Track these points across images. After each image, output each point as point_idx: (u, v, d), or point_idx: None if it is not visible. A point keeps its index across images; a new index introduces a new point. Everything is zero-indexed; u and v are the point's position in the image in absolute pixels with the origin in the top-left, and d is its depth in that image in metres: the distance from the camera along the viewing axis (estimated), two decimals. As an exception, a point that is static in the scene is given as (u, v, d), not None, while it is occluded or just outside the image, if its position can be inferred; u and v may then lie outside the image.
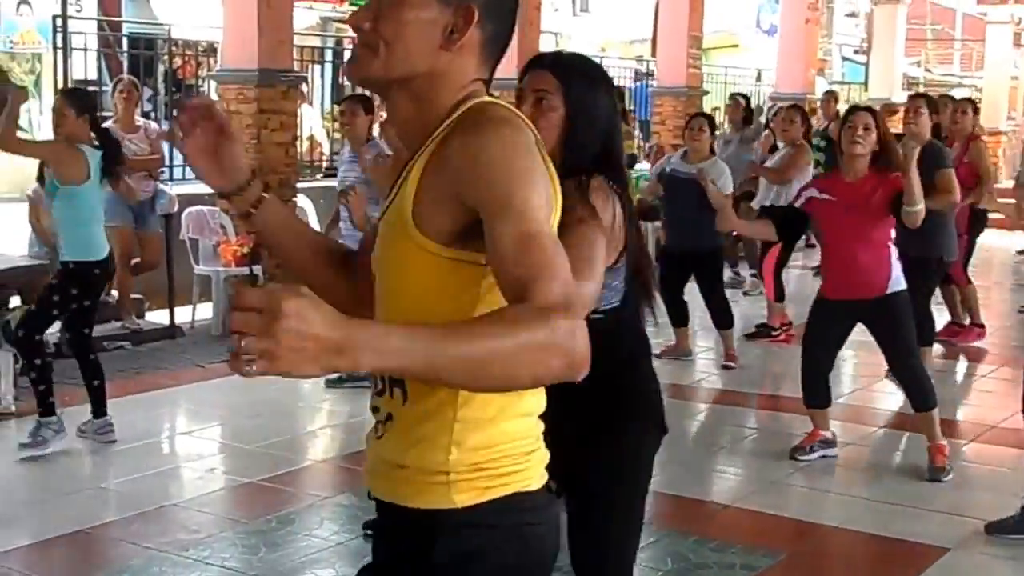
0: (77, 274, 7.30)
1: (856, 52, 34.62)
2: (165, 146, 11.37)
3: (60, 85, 12.00)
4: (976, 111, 10.96)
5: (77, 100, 7.64)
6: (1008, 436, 7.98)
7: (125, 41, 16.79)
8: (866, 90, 25.65)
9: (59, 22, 12.76)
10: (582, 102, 3.49)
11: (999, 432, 8.18)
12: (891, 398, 9.16)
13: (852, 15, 36.31)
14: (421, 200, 2.22)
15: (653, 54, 20.14)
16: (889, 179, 6.77)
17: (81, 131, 7.37)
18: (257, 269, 10.86)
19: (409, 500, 2.31)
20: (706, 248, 9.31)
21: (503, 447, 2.29)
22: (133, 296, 10.73)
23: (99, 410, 7.50)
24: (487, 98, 2.31)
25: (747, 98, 13.67)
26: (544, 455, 2.39)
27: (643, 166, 14.68)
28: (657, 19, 19.31)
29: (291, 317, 1.75)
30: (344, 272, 2.62)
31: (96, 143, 7.41)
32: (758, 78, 24.00)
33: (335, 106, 16.78)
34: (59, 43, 12.58)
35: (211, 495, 6.76)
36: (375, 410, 2.41)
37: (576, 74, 3.55)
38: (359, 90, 8.90)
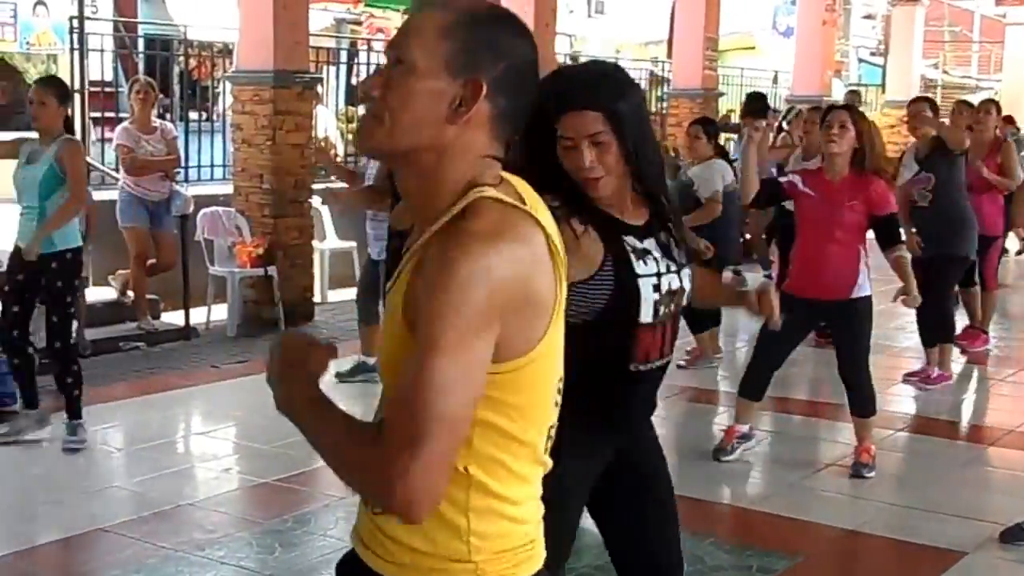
0: (75, 262, 7.43)
1: (873, 54, 34.56)
2: (181, 147, 11.39)
3: (76, 86, 12.02)
4: (999, 112, 10.91)
5: (58, 90, 7.63)
6: (1026, 440, 7.95)
7: (141, 42, 16.83)
8: (883, 92, 25.59)
9: (75, 23, 12.77)
10: (632, 125, 3.37)
11: (1018, 436, 8.16)
12: (907, 401, 9.15)
13: (869, 17, 36.24)
14: (408, 302, 2.15)
15: (669, 56, 20.10)
16: (870, 189, 6.79)
17: (59, 121, 7.39)
18: (272, 270, 10.86)
19: None
20: (728, 261, 9.33)
21: (516, 533, 2.27)
22: (148, 297, 10.73)
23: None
24: (486, 193, 2.18)
25: (764, 97, 13.56)
26: (541, 533, 2.37)
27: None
28: (673, 21, 19.28)
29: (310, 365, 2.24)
30: None
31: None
32: (775, 80, 23.97)
33: (349, 107, 16.81)
34: (75, 44, 12.58)
35: (226, 495, 6.76)
36: None
37: (615, 97, 3.37)
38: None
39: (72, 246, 7.35)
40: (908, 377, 9.45)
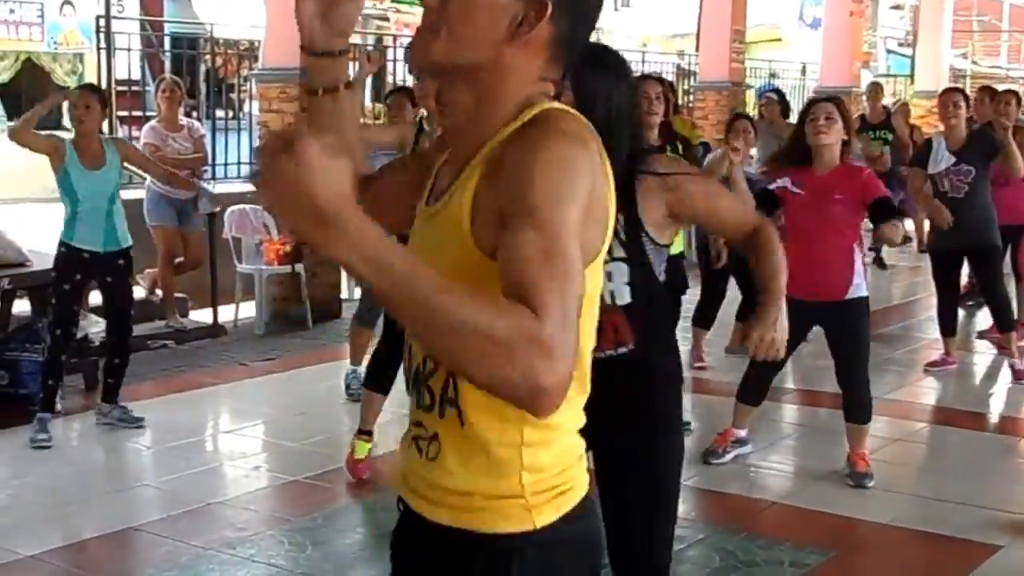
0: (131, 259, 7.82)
1: (901, 44, 34.39)
2: (208, 145, 11.40)
3: (103, 85, 12.05)
4: (1020, 102, 10.86)
5: (101, 95, 8.00)
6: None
7: (167, 41, 16.87)
8: (912, 82, 25.46)
9: (102, 22, 12.81)
10: (587, 87, 3.37)
11: (1052, 428, 8.11)
12: (937, 393, 9.11)
13: (897, 7, 36.07)
14: (477, 212, 2.07)
15: (697, 48, 20.04)
16: (861, 179, 6.68)
17: (99, 124, 7.84)
18: (299, 267, 10.87)
19: (484, 527, 2.19)
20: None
21: (564, 461, 2.23)
22: (177, 295, 10.75)
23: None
24: (555, 105, 2.15)
25: (782, 93, 13.49)
26: (584, 456, 2.34)
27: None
28: (701, 13, 19.23)
29: (294, 158, 1.70)
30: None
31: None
32: (802, 72, 23.89)
33: (375, 103, 16.79)
34: (102, 43, 12.62)
35: (256, 493, 6.77)
36: (418, 424, 2.27)
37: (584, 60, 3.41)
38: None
39: (130, 244, 7.76)
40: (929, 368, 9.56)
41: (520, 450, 2.16)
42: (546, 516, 2.19)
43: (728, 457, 7.21)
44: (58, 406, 7.76)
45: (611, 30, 31.10)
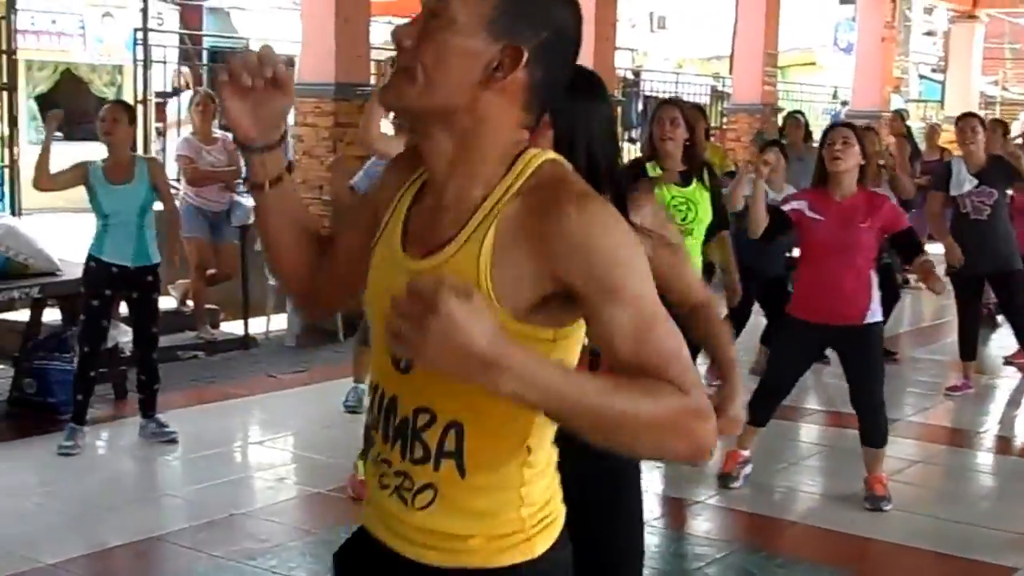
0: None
1: (934, 70, 34.36)
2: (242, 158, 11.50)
3: (139, 97, 12.20)
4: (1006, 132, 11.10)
5: (130, 110, 8.08)
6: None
7: (205, 54, 17.01)
8: (942, 108, 25.48)
9: (139, 35, 12.95)
10: (566, 114, 3.24)
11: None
12: (958, 416, 9.12)
13: (930, 33, 36.03)
14: (496, 270, 2.07)
15: (730, 71, 20.13)
16: (882, 207, 6.71)
17: (128, 139, 7.86)
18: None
19: (486, 563, 2.22)
20: (770, 273, 9.28)
21: (550, 491, 2.30)
22: (208, 306, 10.86)
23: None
24: (547, 155, 2.17)
25: (803, 116, 13.52)
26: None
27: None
28: (735, 37, 19.33)
29: (444, 318, 1.77)
30: (315, 257, 2.48)
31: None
32: (834, 95, 23.93)
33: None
34: (139, 56, 12.77)
35: (281, 505, 6.82)
36: (400, 475, 2.24)
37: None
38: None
39: (159, 260, 7.81)
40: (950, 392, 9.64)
41: (519, 490, 2.21)
42: (542, 544, 2.24)
43: (743, 477, 7.21)
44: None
45: (647, 52, 31.21)
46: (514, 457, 2.18)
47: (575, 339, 2.18)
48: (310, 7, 11.93)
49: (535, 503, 2.24)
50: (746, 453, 7.27)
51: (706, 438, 1.99)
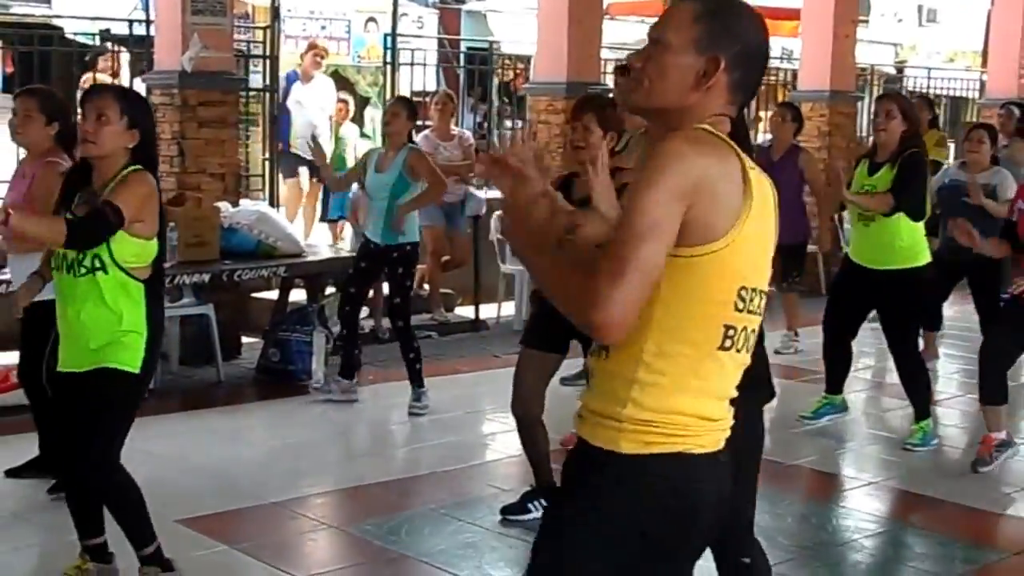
0: (414, 254, 8.63)
1: None
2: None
3: (389, 96, 12.97)
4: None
5: (409, 105, 8.83)
6: None
7: (463, 56, 17.81)
8: None
9: (389, 40, 13.72)
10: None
11: None
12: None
13: None
14: None
15: (983, 64, 19.84)
16: None
17: (404, 131, 8.51)
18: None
19: (589, 437, 2.90)
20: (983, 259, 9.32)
21: (675, 415, 2.82)
22: (442, 291, 11.57)
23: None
24: (704, 125, 2.83)
25: (1022, 107, 13.28)
26: (725, 432, 2.92)
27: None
28: (988, 29, 19.03)
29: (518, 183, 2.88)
30: None
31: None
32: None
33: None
34: (388, 59, 13.53)
35: (489, 464, 7.66)
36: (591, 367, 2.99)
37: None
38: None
39: (412, 240, 8.51)
40: None
41: (631, 384, 2.83)
42: (633, 447, 2.83)
43: (996, 463, 7.22)
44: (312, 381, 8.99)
45: (913, 45, 30.74)
46: (636, 356, 2.83)
47: (700, 265, 2.75)
48: (545, 9, 12.53)
49: (644, 406, 2.84)
50: (1001, 435, 7.26)
51: (588, 313, 2.66)
